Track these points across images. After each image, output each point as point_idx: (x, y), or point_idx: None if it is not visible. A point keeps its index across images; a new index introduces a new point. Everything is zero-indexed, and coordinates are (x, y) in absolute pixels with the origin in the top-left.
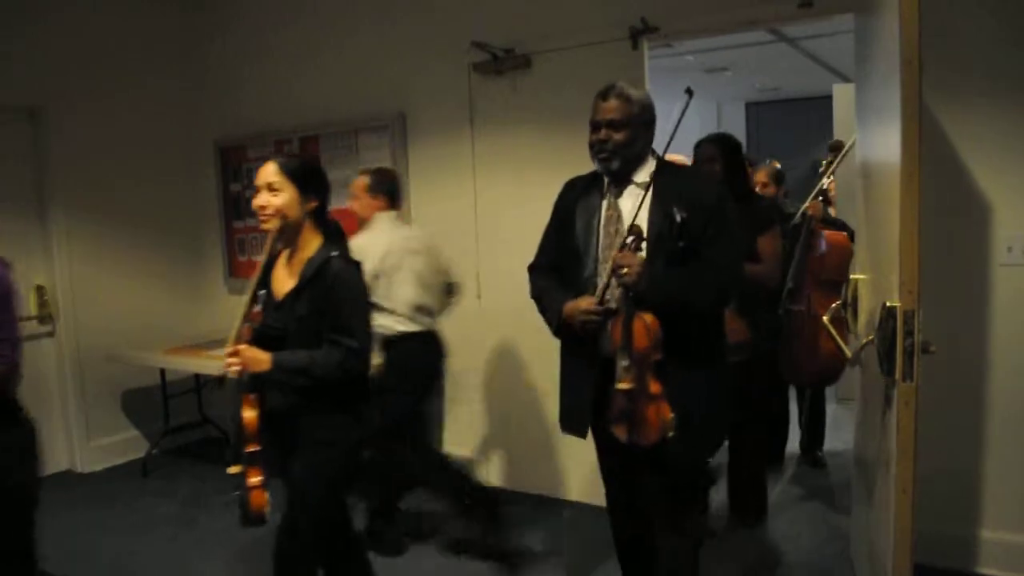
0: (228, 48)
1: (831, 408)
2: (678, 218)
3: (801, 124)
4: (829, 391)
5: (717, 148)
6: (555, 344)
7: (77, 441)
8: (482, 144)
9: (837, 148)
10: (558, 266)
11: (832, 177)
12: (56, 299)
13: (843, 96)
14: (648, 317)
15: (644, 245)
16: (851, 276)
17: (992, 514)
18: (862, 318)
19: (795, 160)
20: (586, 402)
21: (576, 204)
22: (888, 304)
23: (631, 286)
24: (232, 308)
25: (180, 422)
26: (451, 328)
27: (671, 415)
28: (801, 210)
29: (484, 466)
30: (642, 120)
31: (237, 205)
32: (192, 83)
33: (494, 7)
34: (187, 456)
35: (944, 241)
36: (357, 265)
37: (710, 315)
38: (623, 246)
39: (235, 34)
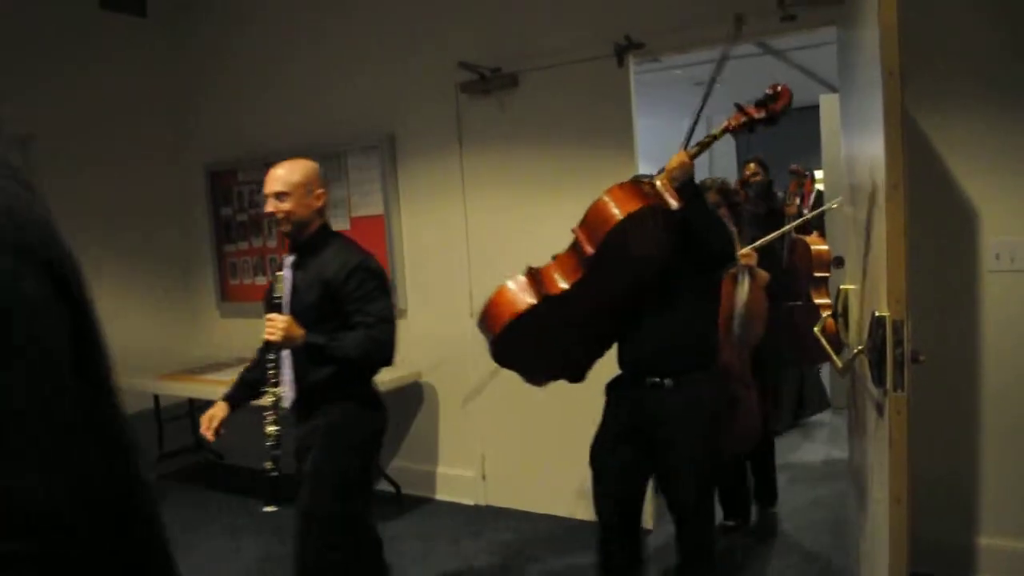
0: (218, 73)
1: (826, 417)
2: None
3: (789, 134)
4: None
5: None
6: None
7: None
8: (471, 163)
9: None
10: None
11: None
12: None
13: (830, 106)
14: None
15: None
16: (841, 287)
17: (988, 521)
18: (852, 328)
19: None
20: None
21: None
22: (877, 314)
23: None
24: (226, 332)
25: (175, 447)
26: (445, 347)
27: None
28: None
29: (481, 483)
30: None
31: (228, 229)
32: (182, 108)
33: (480, 27)
34: (182, 481)
35: (932, 249)
36: None
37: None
38: None
39: (225, 59)
